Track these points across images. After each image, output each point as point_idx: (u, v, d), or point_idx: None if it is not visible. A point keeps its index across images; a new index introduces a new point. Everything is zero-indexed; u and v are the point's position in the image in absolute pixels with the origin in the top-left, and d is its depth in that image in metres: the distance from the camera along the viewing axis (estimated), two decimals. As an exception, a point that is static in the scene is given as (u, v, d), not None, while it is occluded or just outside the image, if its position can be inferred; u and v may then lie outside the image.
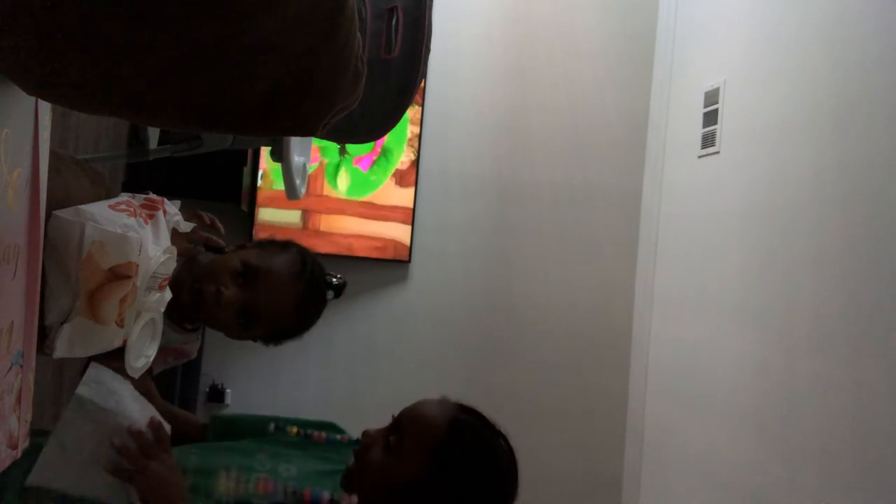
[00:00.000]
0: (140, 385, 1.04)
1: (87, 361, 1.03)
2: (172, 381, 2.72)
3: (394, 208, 3.15)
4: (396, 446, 1.05)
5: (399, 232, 3.16)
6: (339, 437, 1.26)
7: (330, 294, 1.26)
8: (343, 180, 3.13)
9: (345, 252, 3.10)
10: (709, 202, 2.85)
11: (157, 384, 1.24)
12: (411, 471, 1.03)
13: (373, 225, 3.14)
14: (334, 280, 1.27)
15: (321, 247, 3.09)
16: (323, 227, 3.11)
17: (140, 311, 0.80)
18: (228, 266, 1.15)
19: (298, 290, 1.19)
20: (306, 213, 3.10)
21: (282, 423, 1.24)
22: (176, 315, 1.17)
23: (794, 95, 2.39)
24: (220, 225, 1.25)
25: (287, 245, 1.24)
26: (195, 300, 1.13)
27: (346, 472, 1.09)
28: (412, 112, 3.06)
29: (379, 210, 3.15)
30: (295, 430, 1.24)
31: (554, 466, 3.16)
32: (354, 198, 3.13)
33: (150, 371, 1.12)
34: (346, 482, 1.09)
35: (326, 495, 1.11)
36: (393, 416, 1.11)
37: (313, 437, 1.24)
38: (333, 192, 3.12)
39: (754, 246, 2.52)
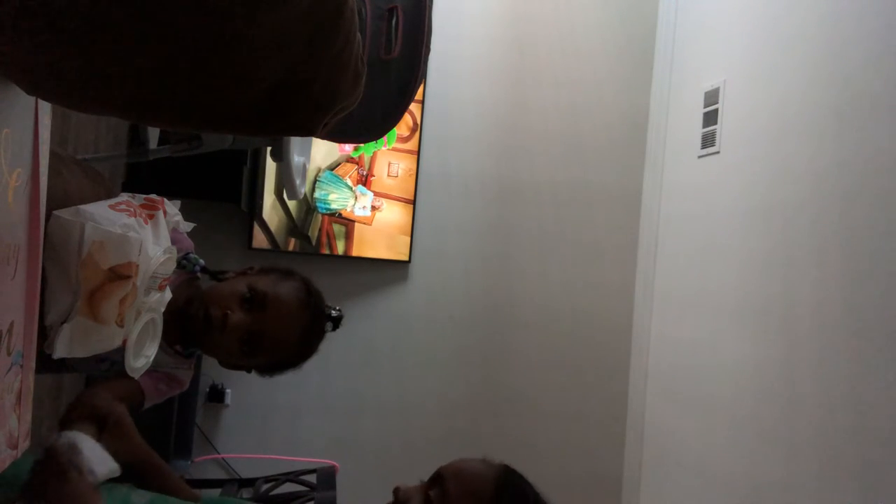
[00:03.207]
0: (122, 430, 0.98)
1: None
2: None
3: (396, 199, 3.18)
4: (440, 500, 1.01)
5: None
6: None
7: (328, 326, 1.24)
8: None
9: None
10: (709, 202, 2.85)
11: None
12: None
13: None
14: (333, 312, 1.25)
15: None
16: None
17: (140, 311, 0.80)
18: (236, 291, 1.12)
19: (304, 319, 1.17)
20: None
21: None
22: (168, 337, 1.12)
23: (794, 95, 2.39)
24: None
25: (290, 273, 1.22)
26: (200, 324, 1.10)
27: None
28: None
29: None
30: None
31: (554, 466, 3.16)
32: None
33: (141, 404, 1.09)
34: None
35: None
36: (422, 482, 1.06)
37: None
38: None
39: (754, 246, 2.52)
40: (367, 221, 3.17)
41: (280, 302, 1.14)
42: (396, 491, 1.04)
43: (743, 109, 2.69)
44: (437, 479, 1.03)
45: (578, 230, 3.32)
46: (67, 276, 0.68)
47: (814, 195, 2.24)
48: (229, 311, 1.10)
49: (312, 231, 3.12)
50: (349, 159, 3.15)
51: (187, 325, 1.11)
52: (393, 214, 3.18)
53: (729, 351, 2.60)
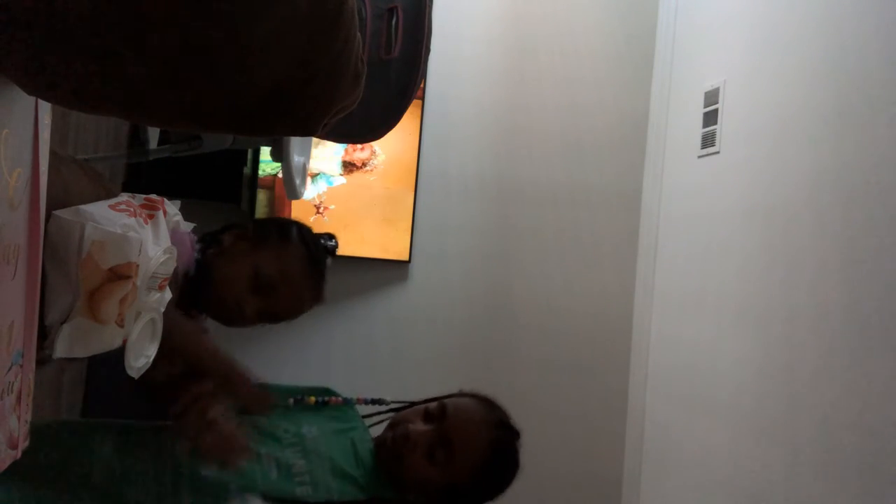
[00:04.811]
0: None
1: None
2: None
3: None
4: (445, 463, 1.18)
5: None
6: (332, 398, 1.34)
7: (329, 261, 1.29)
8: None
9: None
10: (709, 202, 2.85)
11: None
12: (452, 482, 1.19)
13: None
14: (329, 245, 1.30)
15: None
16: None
17: (140, 311, 0.80)
18: (244, 277, 1.17)
19: (312, 284, 1.25)
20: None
21: (299, 395, 1.29)
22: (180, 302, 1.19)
23: (794, 95, 2.39)
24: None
25: (285, 232, 1.25)
26: (217, 310, 1.18)
27: (385, 445, 1.21)
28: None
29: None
30: (313, 399, 1.30)
31: (554, 467, 3.16)
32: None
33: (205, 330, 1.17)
34: (384, 454, 1.21)
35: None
36: (428, 409, 1.23)
37: (330, 401, 1.32)
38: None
39: (754, 246, 2.52)
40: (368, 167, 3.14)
41: (289, 279, 1.21)
42: (410, 436, 1.19)
43: (743, 109, 2.69)
44: (445, 437, 1.18)
45: (578, 230, 3.32)
46: (67, 276, 0.68)
47: (814, 195, 2.24)
48: (245, 305, 1.17)
49: (312, 231, 3.13)
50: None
51: (197, 300, 1.16)
52: (395, 165, 3.17)
53: (729, 351, 2.60)
